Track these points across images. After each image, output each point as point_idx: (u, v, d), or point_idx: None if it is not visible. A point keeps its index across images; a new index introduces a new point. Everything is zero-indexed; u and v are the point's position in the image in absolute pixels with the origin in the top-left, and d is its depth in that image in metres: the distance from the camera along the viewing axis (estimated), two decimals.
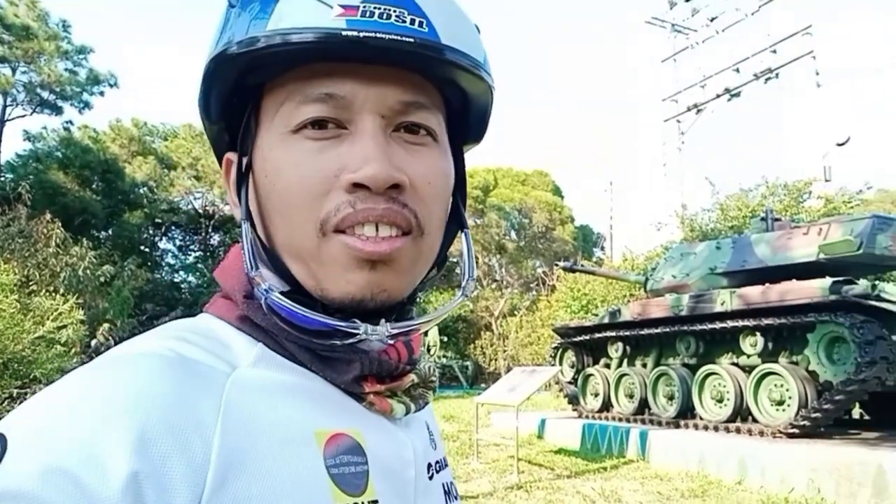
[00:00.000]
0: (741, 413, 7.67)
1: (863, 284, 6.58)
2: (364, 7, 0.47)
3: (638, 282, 11.10)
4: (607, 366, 10.05)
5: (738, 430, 7.53)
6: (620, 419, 9.34)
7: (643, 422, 8.93)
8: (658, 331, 8.70)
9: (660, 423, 8.63)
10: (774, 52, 19.08)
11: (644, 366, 9.39)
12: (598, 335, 9.91)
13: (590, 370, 10.24)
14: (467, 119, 0.59)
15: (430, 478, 0.57)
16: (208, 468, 0.39)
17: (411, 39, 0.47)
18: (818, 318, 6.71)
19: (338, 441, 0.47)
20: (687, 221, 16.81)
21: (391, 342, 0.53)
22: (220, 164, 0.60)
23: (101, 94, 23.41)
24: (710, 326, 7.91)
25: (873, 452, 5.76)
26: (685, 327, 8.33)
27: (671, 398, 8.62)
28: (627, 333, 9.35)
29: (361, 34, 0.46)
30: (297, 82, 0.50)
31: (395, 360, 0.54)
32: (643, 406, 9.08)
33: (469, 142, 0.62)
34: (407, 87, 0.51)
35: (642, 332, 9.03)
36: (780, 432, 7.00)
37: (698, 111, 21.71)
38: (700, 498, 5.96)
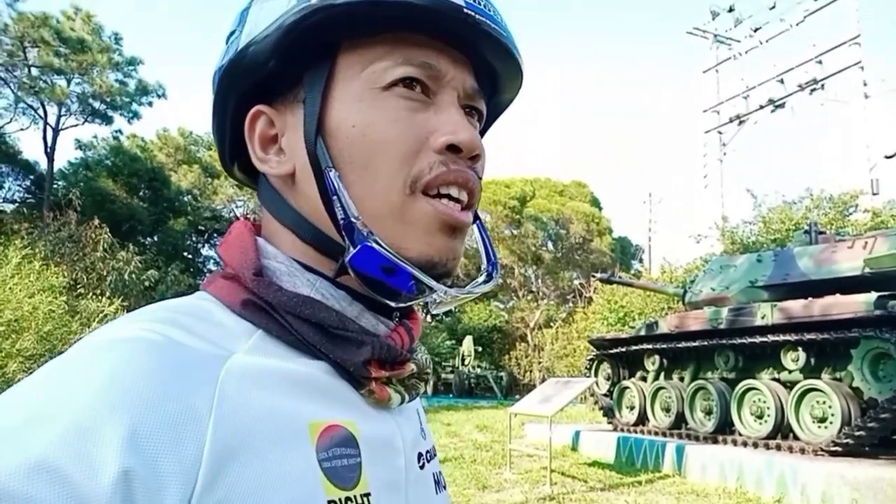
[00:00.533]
0: (782, 430, 7.48)
1: None
2: None
3: (676, 294, 10.94)
4: (643, 379, 9.92)
5: (778, 447, 7.34)
6: (656, 433, 9.20)
7: (680, 436, 8.78)
8: (696, 344, 8.56)
9: (697, 438, 8.47)
10: (820, 62, 18.68)
11: (681, 379, 9.23)
12: (634, 347, 9.78)
13: (626, 383, 10.12)
14: (489, 117, 0.63)
15: (422, 467, 0.57)
16: (200, 464, 0.38)
17: (506, 33, 0.54)
18: (862, 333, 6.53)
19: (331, 433, 0.47)
20: (728, 234, 16.52)
21: (398, 321, 0.56)
22: (223, 120, 0.57)
23: (150, 104, 24.13)
24: (750, 340, 7.75)
25: None
26: (724, 341, 8.17)
27: (709, 413, 8.46)
28: (664, 346, 9.22)
29: (478, 17, 0.51)
30: (391, 46, 0.52)
31: (400, 346, 0.54)
32: (680, 420, 8.93)
33: None
34: (472, 76, 0.56)
35: (680, 345, 8.89)
36: (823, 450, 6.82)
37: (740, 122, 21.37)
38: None
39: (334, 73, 0.53)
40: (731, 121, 21.64)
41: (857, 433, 6.54)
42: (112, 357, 0.39)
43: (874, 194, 15.83)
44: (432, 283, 0.51)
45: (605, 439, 9.36)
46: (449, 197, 0.52)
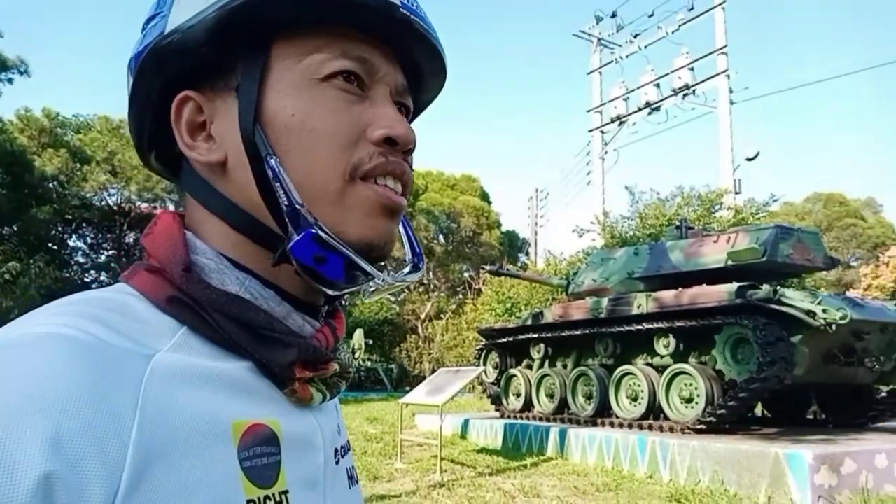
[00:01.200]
0: (654, 411, 8.02)
1: (765, 289, 7.00)
2: None
3: (560, 286, 11.44)
4: (529, 367, 10.29)
5: (650, 427, 7.87)
6: (541, 418, 9.58)
7: (563, 421, 9.19)
8: (578, 333, 8.99)
9: (578, 422, 8.91)
10: (692, 69, 20.03)
11: (565, 366, 9.67)
12: (521, 337, 10.12)
13: (512, 371, 10.45)
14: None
15: (337, 462, 0.58)
16: (124, 466, 0.37)
17: (434, 35, 0.57)
18: (725, 320, 7.11)
19: (254, 432, 0.47)
20: (608, 228, 17.40)
21: (324, 324, 0.57)
22: (140, 104, 0.56)
23: (10, 81, 21.95)
24: (627, 328, 8.25)
25: (771, 446, 6.16)
26: (604, 329, 8.64)
27: (589, 398, 8.92)
28: (549, 335, 9.61)
29: (411, 17, 0.53)
30: (328, 38, 0.53)
31: (324, 346, 0.55)
32: (563, 406, 9.34)
33: None
34: (401, 74, 0.58)
35: (563, 334, 9.31)
36: (689, 428, 7.38)
37: (621, 123, 22.53)
38: (614, 491, 6.20)
39: (269, 63, 0.53)
40: (612, 121, 22.78)
41: (719, 412, 7.12)
42: (31, 356, 0.38)
43: (737, 193, 17.23)
44: (370, 268, 0.52)
45: (493, 426, 9.64)
46: (386, 186, 0.54)
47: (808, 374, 7.05)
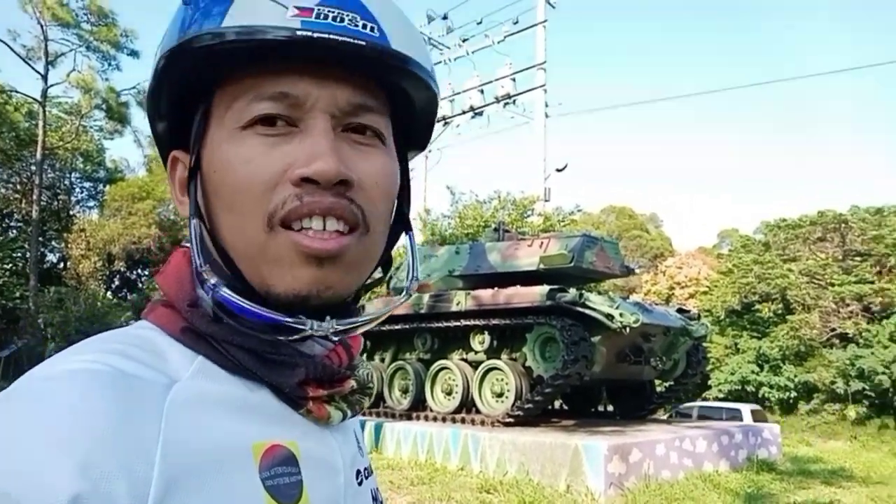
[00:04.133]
0: (467, 405, 8.34)
1: (572, 293, 7.57)
2: (318, 9, 0.48)
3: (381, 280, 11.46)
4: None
5: (463, 421, 8.17)
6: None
7: (378, 415, 9.24)
8: (398, 327, 9.07)
9: (394, 416, 9.00)
10: (514, 80, 21.14)
11: (382, 360, 9.71)
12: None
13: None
14: (412, 126, 0.61)
15: (360, 483, 0.58)
16: (150, 488, 0.39)
17: (363, 42, 0.49)
18: (536, 320, 7.59)
19: (273, 453, 0.48)
20: (429, 225, 17.81)
21: (336, 340, 0.55)
22: (165, 162, 0.60)
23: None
24: (446, 324, 8.49)
25: (571, 437, 6.68)
26: (423, 324, 8.81)
27: (406, 391, 9.06)
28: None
29: (315, 35, 0.48)
30: (250, 80, 0.50)
31: (338, 364, 0.55)
32: (379, 399, 9.39)
33: (413, 148, 0.63)
34: (357, 90, 0.52)
35: (383, 328, 9.31)
36: (499, 422, 7.77)
37: (445, 123, 23.15)
38: (427, 484, 6.34)
39: (211, 114, 0.53)
40: (437, 121, 23.35)
41: (526, 406, 7.59)
42: (61, 390, 0.40)
43: (546, 201, 18.47)
44: (282, 318, 0.50)
45: None
46: (309, 230, 0.50)
47: (603, 371, 7.75)
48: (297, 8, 0.48)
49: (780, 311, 19.94)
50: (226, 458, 0.45)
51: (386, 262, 0.60)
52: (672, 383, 9.35)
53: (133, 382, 0.43)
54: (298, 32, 0.47)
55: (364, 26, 0.49)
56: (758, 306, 20.35)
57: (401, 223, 0.61)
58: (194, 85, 0.52)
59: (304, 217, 0.49)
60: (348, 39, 0.48)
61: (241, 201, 0.50)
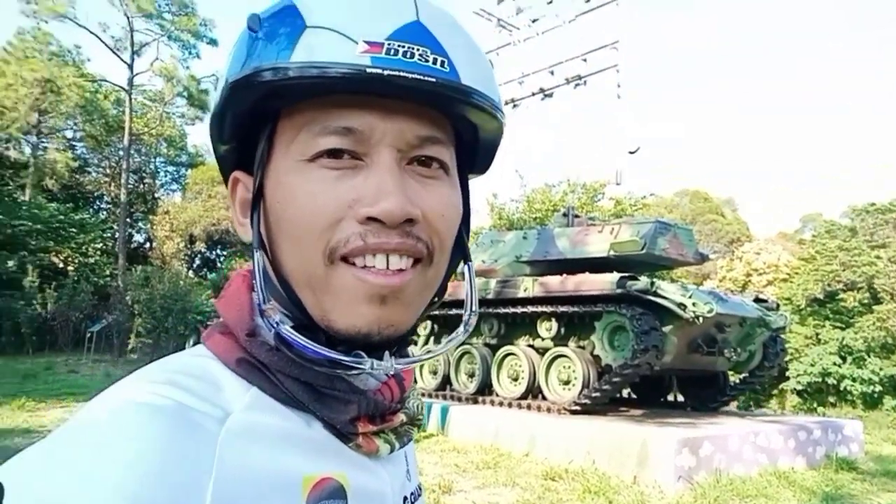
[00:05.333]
0: (533, 391, 8.34)
1: (644, 281, 7.41)
2: (388, 45, 0.48)
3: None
4: (415, 343, 10.35)
5: (528, 407, 8.17)
6: (423, 394, 9.65)
7: (445, 397, 9.36)
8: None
9: (460, 399, 9.10)
10: (585, 60, 20.68)
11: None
12: (448, 312, 10.10)
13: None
14: (475, 151, 0.60)
15: None
16: None
17: (433, 80, 0.48)
18: (605, 308, 7.48)
19: (323, 485, 0.49)
20: (497, 210, 17.77)
21: (391, 375, 0.56)
22: (227, 182, 0.60)
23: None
24: (513, 310, 8.48)
25: (639, 428, 6.58)
26: (490, 310, 8.83)
27: (472, 375, 9.13)
28: (437, 313, 9.66)
29: (385, 72, 0.47)
30: (315, 112, 0.50)
31: (389, 400, 0.55)
32: (445, 382, 9.50)
33: (474, 172, 0.64)
34: (424, 122, 0.52)
35: (450, 313, 9.39)
36: (565, 409, 7.73)
37: (514, 106, 22.91)
38: (492, 469, 6.40)
39: (275, 141, 0.53)
40: (506, 104, 23.13)
41: (593, 394, 7.51)
42: (119, 423, 0.42)
43: (617, 184, 18.08)
44: (348, 359, 0.50)
45: None
46: (372, 268, 0.50)
47: (674, 362, 7.58)
48: (367, 43, 0.47)
49: (866, 301, 18.93)
50: (276, 491, 0.46)
51: (442, 289, 0.59)
52: (747, 375, 9.05)
53: (187, 414, 0.44)
54: (369, 70, 0.46)
55: (435, 61, 0.49)
56: (842, 295, 19.37)
57: (459, 251, 0.60)
58: (259, 111, 0.52)
59: (364, 255, 0.49)
60: (419, 77, 0.48)
61: (304, 234, 0.50)
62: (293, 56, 0.47)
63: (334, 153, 0.50)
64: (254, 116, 0.53)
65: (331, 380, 0.52)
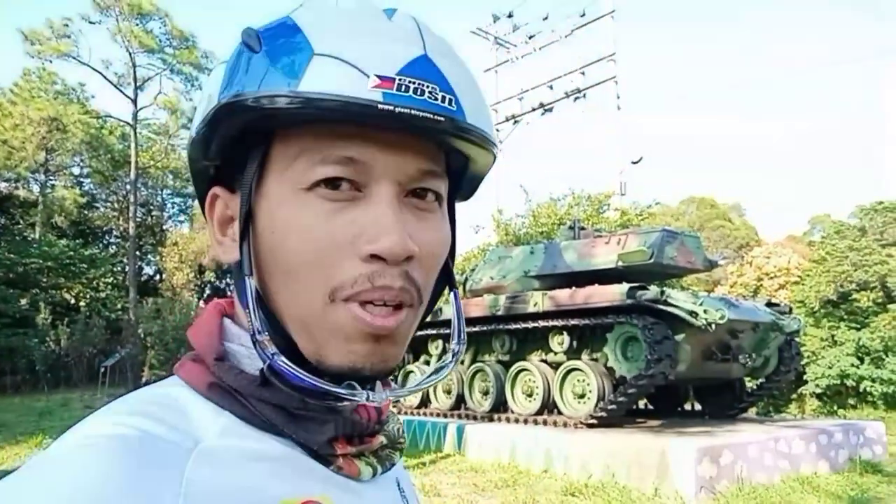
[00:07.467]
0: (548, 406, 8.28)
1: (654, 290, 7.37)
2: (399, 81, 0.47)
3: (458, 282, 11.52)
4: (427, 363, 10.32)
5: (544, 423, 8.11)
6: (438, 414, 9.65)
7: (460, 416, 9.30)
8: (476, 329, 9.09)
9: (475, 418, 9.04)
10: (583, 73, 20.79)
11: (462, 362, 9.76)
12: (419, 333, 9.94)
13: (410, 367, 10.43)
14: (461, 178, 0.61)
15: None
16: None
17: (442, 118, 0.48)
18: (616, 319, 7.44)
19: None
20: (503, 226, 17.76)
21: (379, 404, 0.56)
22: (202, 197, 0.58)
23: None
24: (524, 326, 8.45)
25: (657, 439, 6.52)
26: (501, 326, 8.80)
27: (486, 393, 9.08)
28: (447, 331, 9.62)
29: (397, 110, 0.46)
30: (315, 139, 0.49)
31: (367, 421, 0.55)
32: (460, 401, 9.45)
33: (459, 198, 0.64)
34: (425, 156, 0.52)
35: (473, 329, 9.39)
36: (582, 423, 7.67)
37: (515, 122, 23.02)
38: (511, 487, 6.34)
39: (268, 164, 0.52)
40: (507, 119, 23.23)
41: (609, 407, 7.45)
42: (85, 455, 0.41)
43: (622, 195, 18.07)
44: (337, 390, 0.50)
45: None
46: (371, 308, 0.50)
47: (689, 370, 7.52)
48: (379, 77, 0.46)
49: (880, 300, 18.74)
50: None
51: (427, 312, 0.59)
52: (763, 380, 8.96)
53: (155, 444, 0.43)
54: (381, 106, 0.46)
55: (443, 99, 0.48)
56: (855, 295, 19.19)
57: (444, 279, 0.59)
58: (250, 130, 0.50)
59: (369, 298, 0.49)
60: (429, 115, 0.47)
61: (301, 269, 0.49)
62: (302, 84, 0.46)
63: (332, 182, 0.49)
64: (243, 136, 0.51)
65: (303, 401, 0.51)
